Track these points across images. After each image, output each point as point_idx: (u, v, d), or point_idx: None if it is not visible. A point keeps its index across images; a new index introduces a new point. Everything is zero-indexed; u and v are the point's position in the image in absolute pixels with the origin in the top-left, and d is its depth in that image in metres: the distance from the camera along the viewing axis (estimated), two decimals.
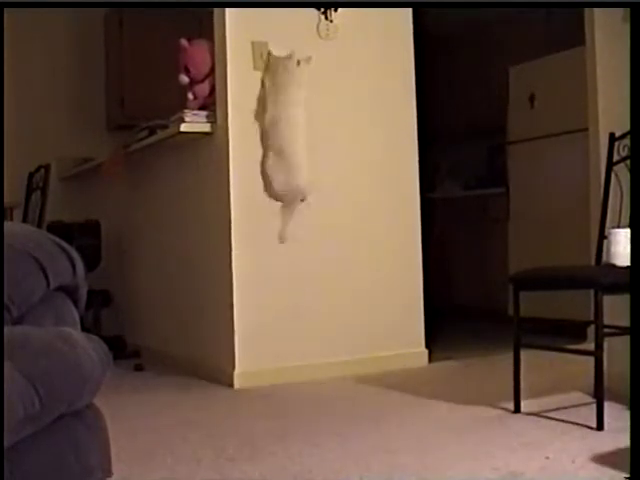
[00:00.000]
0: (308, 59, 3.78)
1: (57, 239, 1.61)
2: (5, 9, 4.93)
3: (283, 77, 3.73)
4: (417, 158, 4.21)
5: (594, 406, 2.71)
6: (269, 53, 3.78)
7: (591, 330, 2.78)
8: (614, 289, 2.70)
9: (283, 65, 3.74)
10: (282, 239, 3.81)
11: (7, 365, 1.26)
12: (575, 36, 4.10)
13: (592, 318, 2.73)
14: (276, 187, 3.77)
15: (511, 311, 2.99)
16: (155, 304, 4.67)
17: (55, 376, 1.36)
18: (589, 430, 2.65)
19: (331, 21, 3.97)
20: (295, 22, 3.92)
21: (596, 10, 3.47)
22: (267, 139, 3.76)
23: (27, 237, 1.57)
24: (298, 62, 3.73)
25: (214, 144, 3.88)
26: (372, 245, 4.08)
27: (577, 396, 3.16)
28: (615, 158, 3.20)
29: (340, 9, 3.97)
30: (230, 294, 3.74)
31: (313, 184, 3.84)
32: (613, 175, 3.19)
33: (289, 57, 3.76)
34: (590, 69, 3.56)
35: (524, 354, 2.97)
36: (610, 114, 3.36)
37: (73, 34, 5.59)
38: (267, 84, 3.74)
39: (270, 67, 3.76)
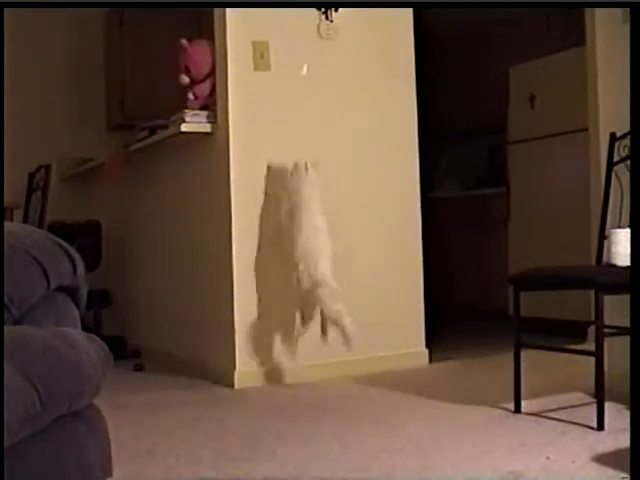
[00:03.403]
0: (315, 164, 3.68)
1: (58, 239, 1.61)
2: (5, 9, 4.93)
3: (292, 182, 3.66)
4: (418, 158, 4.21)
5: (594, 406, 2.71)
6: (269, 167, 3.77)
7: (591, 330, 2.79)
8: (614, 289, 2.70)
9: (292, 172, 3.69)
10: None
11: (7, 365, 1.26)
12: (575, 36, 4.10)
13: (592, 318, 2.73)
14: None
15: (511, 311, 2.99)
16: (155, 304, 4.67)
17: (55, 376, 1.36)
18: (589, 430, 2.65)
19: (331, 21, 3.97)
20: (295, 22, 3.92)
21: (596, 10, 3.47)
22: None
23: (28, 237, 1.57)
24: (306, 167, 3.65)
25: (214, 144, 3.88)
26: (372, 245, 4.08)
27: (577, 396, 3.16)
28: (615, 158, 3.21)
29: (340, 9, 3.97)
30: (230, 294, 3.74)
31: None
32: (613, 175, 3.20)
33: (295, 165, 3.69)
34: (590, 69, 3.57)
35: (524, 354, 2.96)
36: (610, 114, 3.36)
37: (73, 34, 5.58)
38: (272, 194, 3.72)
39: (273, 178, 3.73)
